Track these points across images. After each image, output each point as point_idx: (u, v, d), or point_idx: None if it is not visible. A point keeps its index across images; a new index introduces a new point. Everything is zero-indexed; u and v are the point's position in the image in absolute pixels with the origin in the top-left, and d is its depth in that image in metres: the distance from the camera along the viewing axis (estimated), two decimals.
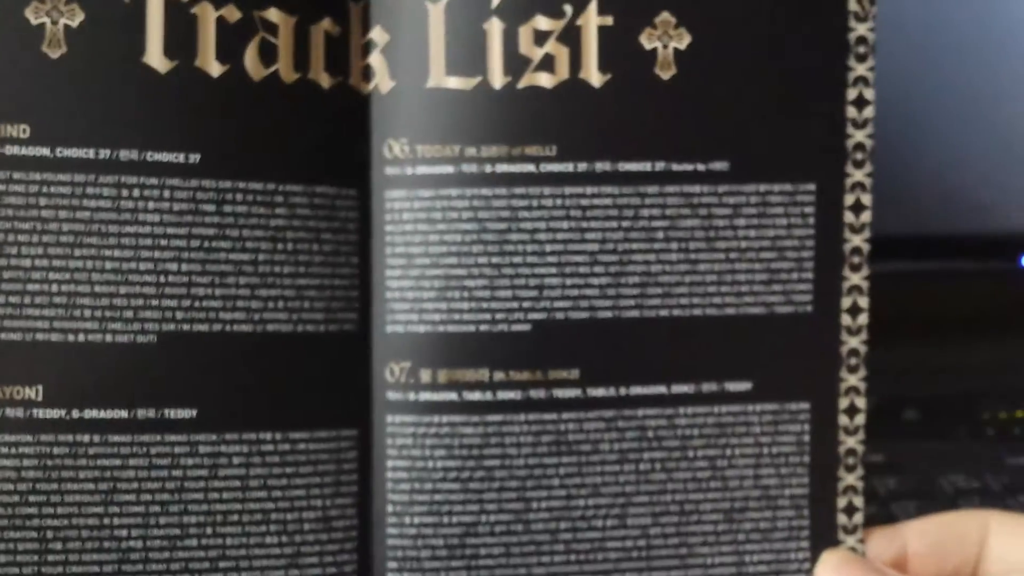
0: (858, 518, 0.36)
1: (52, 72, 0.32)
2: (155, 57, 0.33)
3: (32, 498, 0.32)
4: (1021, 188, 0.55)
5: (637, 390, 0.36)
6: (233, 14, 0.34)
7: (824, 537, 0.36)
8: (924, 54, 0.51)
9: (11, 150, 0.32)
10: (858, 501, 0.36)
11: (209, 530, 0.33)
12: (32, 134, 0.32)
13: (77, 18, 0.33)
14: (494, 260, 0.35)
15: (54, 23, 0.33)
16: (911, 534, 0.35)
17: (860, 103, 0.36)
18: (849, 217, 0.36)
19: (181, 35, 0.33)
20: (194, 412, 0.33)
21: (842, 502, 0.36)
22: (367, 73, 0.35)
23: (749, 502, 0.36)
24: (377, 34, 0.35)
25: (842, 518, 0.36)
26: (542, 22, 0.35)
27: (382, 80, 0.35)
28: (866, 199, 0.36)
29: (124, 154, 0.33)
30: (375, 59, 0.35)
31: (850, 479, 0.36)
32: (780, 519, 0.36)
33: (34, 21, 0.32)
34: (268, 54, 0.34)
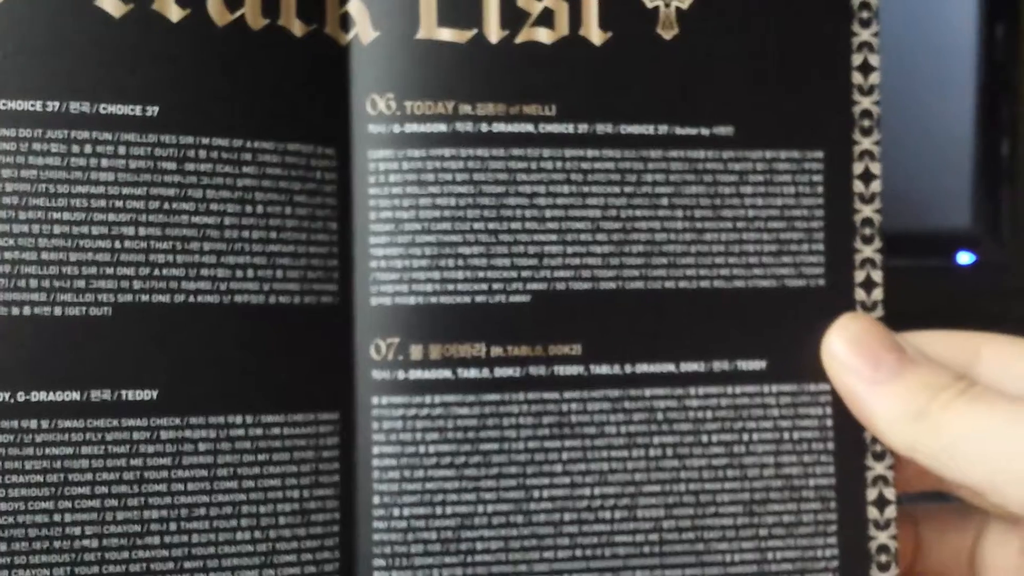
0: (890, 512, 0.33)
1: None
2: (108, 0, 0.30)
3: None
4: (956, 186, 0.55)
5: (644, 368, 0.32)
6: None
7: (853, 533, 0.33)
8: None
9: None
10: (889, 493, 0.33)
11: (173, 526, 0.30)
12: None
13: None
14: (491, 226, 0.32)
15: None
16: (907, 346, 0.33)
17: (865, 69, 0.34)
18: (859, 186, 0.34)
19: None
20: (154, 393, 0.30)
21: (871, 494, 0.33)
22: (345, 22, 0.32)
23: (770, 493, 0.33)
24: None
25: (872, 511, 0.33)
26: None
27: (363, 30, 0.32)
28: (875, 168, 0.34)
29: (75, 106, 0.29)
30: (354, 7, 0.32)
31: (879, 468, 0.33)
32: (805, 512, 0.33)
33: None
34: None
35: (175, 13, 0.30)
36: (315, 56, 0.32)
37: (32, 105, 0.29)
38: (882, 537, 0.33)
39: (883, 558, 0.33)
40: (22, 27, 0.29)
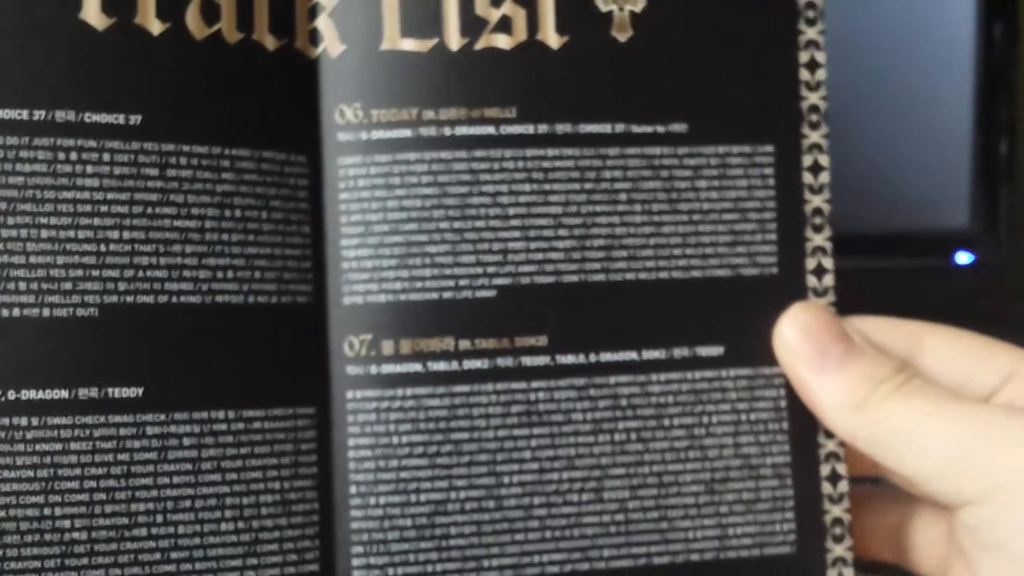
0: (843, 486, 0.35)
1: None
2: (92, 13, 0.31)
3: None
4: (954, 186, 0.55)
5: (607, 356, 0.34)
6: None
7: (809, 507, 0.35)
8: (855, 53, 0.52)
9: None
10: (841, 468, 0.35)
11: (159, 518, 0.31)
12: None
13: None
14: (456, 225, 0.34)
15: None
16: (854, 334, 0.34)
17: (812, 66, 0.36)
18: (808, 178, 0.36)
19: None
20: (140, 390, 0.31)
21: (825, 469, 0.35)
22: (314, 37, 0.34)
23: (730, 472, 0.34)
24: None
25: (826, 487, 0.35)
26: None
27: (331, 44, 0.34)
28: (823, 160, 0.36)
29: (60, 115, 0.31)
30: (322, 23, 0.34)
31: (831, 445, 0.35)
32: (763, 489, 0.35)
33: None
34: (210, 13, 0.32)
35: (156, 27, 0.32)
36: (287, 69, 0.33)
37: (19, 114, 0.31)
38: (836, 511, 0.35)
39: (837, 530, 0.35)
40: (8, 38, 0.31)
